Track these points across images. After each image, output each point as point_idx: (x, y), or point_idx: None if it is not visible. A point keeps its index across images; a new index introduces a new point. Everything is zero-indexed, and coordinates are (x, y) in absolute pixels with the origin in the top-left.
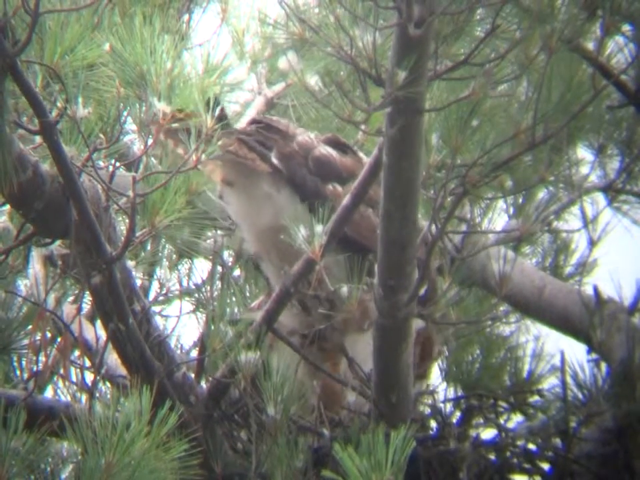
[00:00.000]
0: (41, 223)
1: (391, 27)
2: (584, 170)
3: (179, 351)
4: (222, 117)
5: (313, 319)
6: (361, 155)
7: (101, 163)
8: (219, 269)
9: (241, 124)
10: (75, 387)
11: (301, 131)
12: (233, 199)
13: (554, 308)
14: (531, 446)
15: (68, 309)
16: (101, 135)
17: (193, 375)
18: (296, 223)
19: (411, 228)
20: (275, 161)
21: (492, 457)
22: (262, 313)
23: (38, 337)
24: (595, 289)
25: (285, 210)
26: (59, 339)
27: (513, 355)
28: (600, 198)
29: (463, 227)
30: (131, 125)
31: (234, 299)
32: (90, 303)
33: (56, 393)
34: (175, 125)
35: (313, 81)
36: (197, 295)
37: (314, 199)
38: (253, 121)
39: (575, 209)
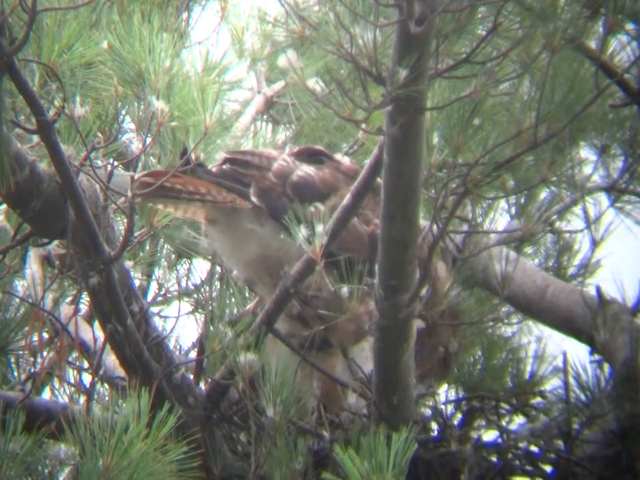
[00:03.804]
0: (38, 223)
1: (391, 25)
2: (587, 170)
3: (177, 352)
4: (187, 161)
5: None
6: (338, 157)
7: (99, 162)
8: (218, 269)
9: (217, 162)
10: (72, 389)
11: (275, 154)
12: (217, 236)
13: (556, 309)
14: (533, 448)
15: (66, 310)
16: (99, 134)
17: (191, 376)
18: (283, 251)
19: (412, 228)
20: (253, 198)
21: (494, 458)
22: (261, 314)
23: (35, 338)
24: (598, 290)
25: (269, 242)
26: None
27: (515, 356)
28: (603, 198)
29: (465, 227)
30: (129, 124)
31: (233, 299)
32: (88, 303)
33: (53, 394)
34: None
35: (313, 79)
36: (195, 296)
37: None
38: (227, 160)
39: (578, 209)
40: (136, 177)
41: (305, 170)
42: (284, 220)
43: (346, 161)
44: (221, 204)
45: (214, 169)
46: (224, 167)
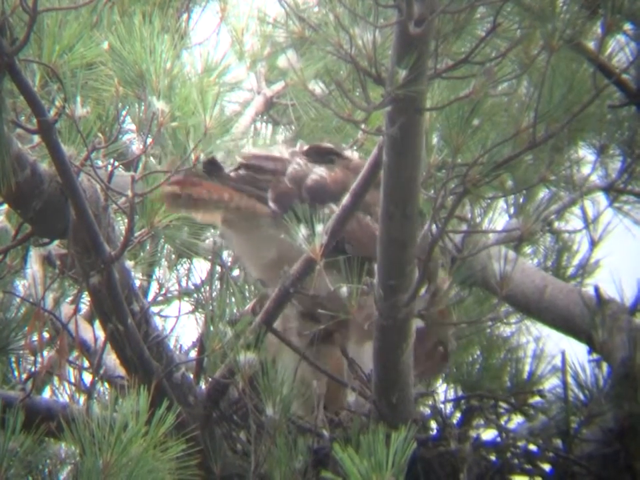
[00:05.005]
0: (39, 223)
1: (391, 26)
2: (585, 170)
3: (177, 352)
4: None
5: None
6: (348, 153)
7: (100, 163)
8: (218, 269)
9: (232, 166)
10: (73, 388)
11: (287, 155)
12: (235, 239)
13: (555, 308)
14: (532, 447)
15: (66, 309)
16: (100, 134)
17: (192, 376)
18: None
19: (411, 227)
20: (271, 204)
21: (493, 457)
22: (261, 314)
23: (35, 338)
24: (596, 289)
25: (287, 246)
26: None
27: (514, 355)
28: (601, 198)
29: (464, 227)
30: (129, 124)
31: (233, 299)
32: (88, 303)
33: (54, 393)
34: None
35: (313, 80)
36: (196, 295)
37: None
38: (241, 165)
39: (576, 209)
40: (162, 189)
41: (318, 173)
42: (284, 219)
43: (355, 156)
44: (244, 210)
45: (231, 174)
46: (240, 172)
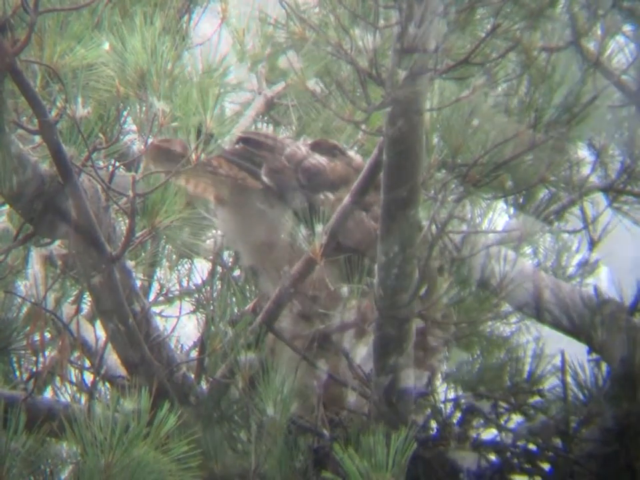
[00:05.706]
0: (40, 223)
1: (391, 26)
2: (585, 170)
3: (178, 352)
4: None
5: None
6: (351, 154)
7: (101, 163)
8: (219, 269)
9: (230, 141)
10: (74, 388)
11: (289, 141)
12: (226, 216)
13: (555, 308)
14: (532, 446)
15: (67, 309)
16: (101, 135)
17: (192, 376)
18: (292, 234)
19: (411, 227)
20: (264, 178)
21: (493, 457)
22: (262, 314)
23: (37, 338)
24: (596, 289)
25: (278, 225)
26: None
27: (513, 355)
28: (600, 198)
29: (464, 227)
30: (130, 125)
31: (234, 299)
32: (90, 303)
33: (55, 393)
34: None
35: (313, 80)
36: (196, 296)
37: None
38: (241, 139)
39: (576, 210)
40: (149, 141)
41: (317, 158)
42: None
43: (358, 158)
44: (232, 179)
45: (226, 148)
46: (236, 146)
